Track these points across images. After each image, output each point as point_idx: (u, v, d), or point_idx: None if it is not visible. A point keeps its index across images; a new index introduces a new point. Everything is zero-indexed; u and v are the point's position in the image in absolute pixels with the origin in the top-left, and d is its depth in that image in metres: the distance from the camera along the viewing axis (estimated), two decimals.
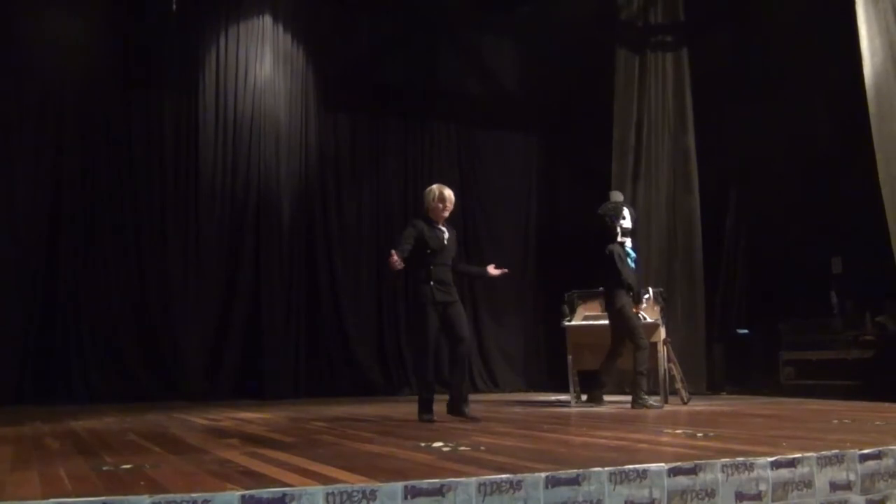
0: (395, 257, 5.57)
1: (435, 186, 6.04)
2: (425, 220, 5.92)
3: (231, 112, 10.26)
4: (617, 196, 7.51)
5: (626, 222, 7.14)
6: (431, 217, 5.92)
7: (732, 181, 10.32)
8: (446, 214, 5.94)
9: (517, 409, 7.37)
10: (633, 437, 4.38)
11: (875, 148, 7.72)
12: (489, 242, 11.71)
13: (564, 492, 2.79)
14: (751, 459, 3.16)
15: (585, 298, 7.88)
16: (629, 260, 7.10)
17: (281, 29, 10.58)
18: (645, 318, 7.26)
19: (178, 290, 9.76)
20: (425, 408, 5.76)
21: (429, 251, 5.80)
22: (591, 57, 10.70)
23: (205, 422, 6.01)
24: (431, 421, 5.64)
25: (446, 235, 5.93)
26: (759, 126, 9.60)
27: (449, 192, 5.97)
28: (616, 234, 7.07)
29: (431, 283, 5.76)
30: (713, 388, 9.41)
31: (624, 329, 7.03)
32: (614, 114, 10.17)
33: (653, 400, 7.02)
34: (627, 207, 7.34)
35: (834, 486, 3.30)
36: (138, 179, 9.83)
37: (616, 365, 7.33)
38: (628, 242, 7.13)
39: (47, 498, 2.42)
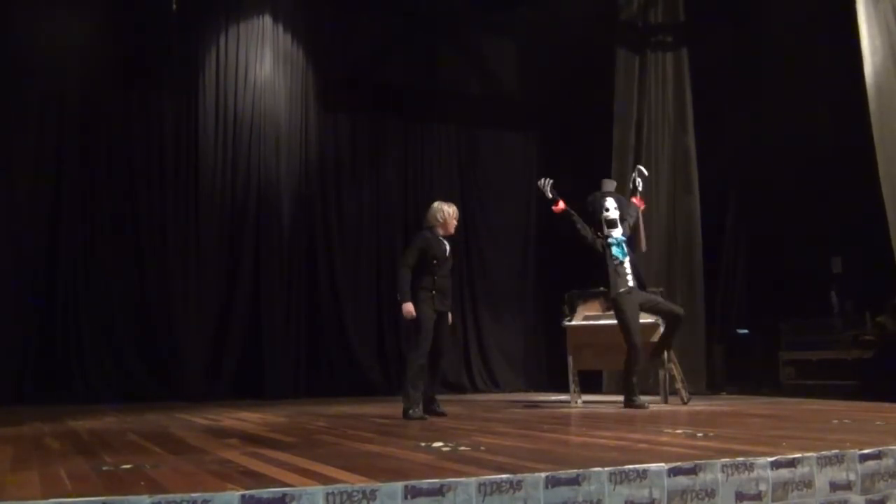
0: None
1: (448, 204, 6.42)
2: (432, 234, 6.27)
3: (231, 112, 10.27)
4: (609, 185, 7.32)
5: (610, 213, 6.96)
6: (440, 230, 6.28)
7: (732, 181, 10.32)
8: (452, 231, 6.38)
9: (517, 409, 7.36)
10: (633, 437, 4.38)
11: (876, 148, 7.72)
12: (489, 242, 11.71)
13: (564, 492, 2.79)
14: (751, 459, 3.15)
15: (585, 298, 7.87)
16: (614, 251, 6.91)
17: (281, 29, 10.59)
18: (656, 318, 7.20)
19: (178, 289, 9.77)
20: (416, 406, 5.97)
21: (435, 262, 6.15)
22: (591, 57, 10.70)
23: (205, 422, 6.01)
24: (423, 418, 5.85)
25: (447, 247, 6.29)
26: (759, 126, 9.60)
27: (456, 210, 6.44)
28: (601, 227, 6.97)
29: (434, 291, 6.10)
30: (713, 388, 9.41)
31: (619, 325, 6.98)
32: (614, 114, 10.17)
33: (643, 399, 6.92)
34: (612, 196, 7.13)
35: (834, 486, 3.29)
36: (138, 179, 9.84)
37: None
38: (616, 232, 6.93)
39: (47, 498, 2.41)
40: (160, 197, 9.90)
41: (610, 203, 7.03)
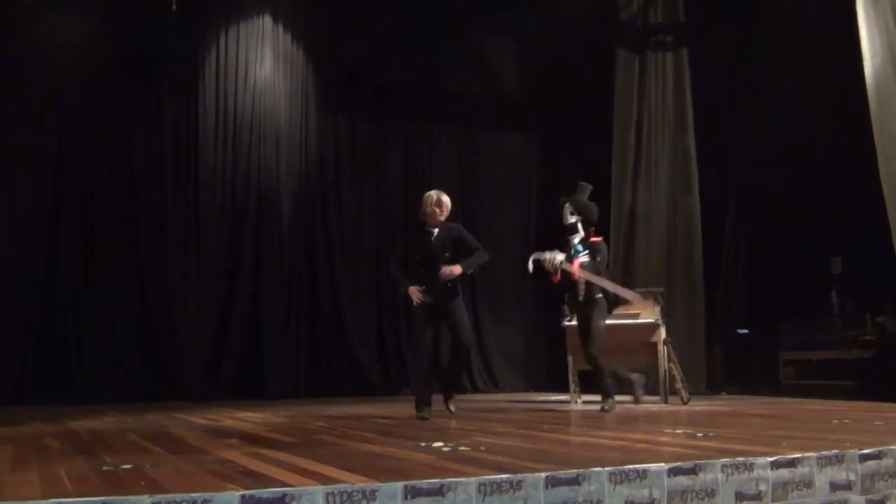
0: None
1: (433, 192, 6.20)
2: (417, 227, 6.14)
3: (231, 112, 10.26)
4: (583, 190, 6.86)
5: (567, 218, 6.71)
6: (426, 221, 6.07)
7: (732, 181, 10.32)
8: (442, 218, 6.07)
9: (517, 409, 7.36)
10: (633, 437, 4.38)
11: (876, 148, 7.72)
12: (489, 242, 11.64)
13: (564, 492, 2.79)
14: (751, 459, 3.15)
15: None
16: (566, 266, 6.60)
17: (281, 29, 10.58)
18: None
19: (179, 289, 9.77)
20: (421, 405, 5.94)
21: (417, 258, 6.06)
22: (591, 57, 10.70)
23: (205, 422, 6.01)
24: (426, 418, 5.81)
25: (433, 238, 6.02)
26: (760, 126, 9.60)
27: (445, 198, 6.12)
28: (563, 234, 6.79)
29: (425, 287, 5.96)
30: (713, 388, 9.41)
31: None
32: (614, 114, 10.16)
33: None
34: (569, 202, 6.77)
35: (834, 486, 3.29)
36: (138, 179, 9.84)
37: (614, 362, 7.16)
38: (575, 238, 6.67)
39: (47, 498, 2.41)
40: (160, 197, 9.89)
41: (567, 209, 6.74)
